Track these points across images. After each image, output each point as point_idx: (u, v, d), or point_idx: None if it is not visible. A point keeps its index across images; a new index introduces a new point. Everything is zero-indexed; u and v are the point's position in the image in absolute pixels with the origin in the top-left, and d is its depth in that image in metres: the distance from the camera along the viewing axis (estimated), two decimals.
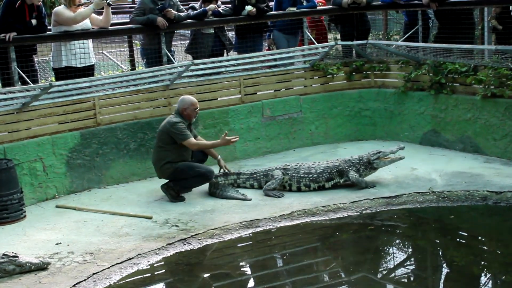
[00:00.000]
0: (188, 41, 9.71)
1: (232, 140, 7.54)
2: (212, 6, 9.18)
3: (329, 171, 7.56)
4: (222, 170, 7.80)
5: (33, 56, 8.25)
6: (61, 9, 8.15)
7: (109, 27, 8.67)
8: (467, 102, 8.53)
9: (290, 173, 7.59)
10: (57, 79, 8.22)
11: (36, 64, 8.38)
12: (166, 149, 7.44)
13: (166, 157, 7.44)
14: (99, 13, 8.53)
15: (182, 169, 7.41)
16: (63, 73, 8.12)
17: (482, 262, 5.94)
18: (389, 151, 7.66)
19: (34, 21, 7.97)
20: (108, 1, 8.24)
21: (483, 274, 5.76)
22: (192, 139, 7.47)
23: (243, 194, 7.47)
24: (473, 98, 8.42)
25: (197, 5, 9.42)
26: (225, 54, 9.57)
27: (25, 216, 7.07)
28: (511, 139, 8.08)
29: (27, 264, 5.71)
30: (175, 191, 7.43)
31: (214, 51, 9.32)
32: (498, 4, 9.34)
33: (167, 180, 7.50)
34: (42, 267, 5.77)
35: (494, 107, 8.23)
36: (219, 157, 7.83)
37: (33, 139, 7.65)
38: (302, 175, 7.56)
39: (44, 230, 6.72)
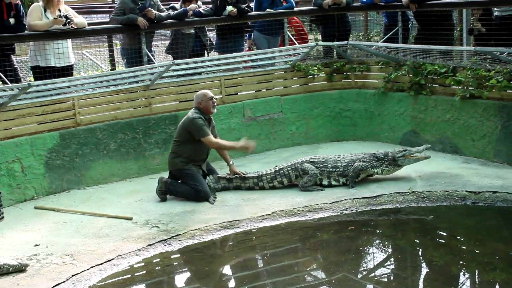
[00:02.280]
0: (168, 41, 9.68)
1: (252, 145, 7.55)
2: (193, 6, 9.16)
3: (353, 164, 7.57)
4: (231, 175, 7.70)
5: (11, 55, 8.16)
6: (33, 8, 8.06)
7: (89, 27, 8.60)
8: (446, 103, 8.61)
9: (319, 166, 7.58)
10: (35, 79, 8.13)
11: (15, 63, 8.28)
12: (181, 144, 7.46)
13: (179, 152, 7.46)
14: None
15: (187, 174, 7.43)
16: (42, 72, 8.04)
17: (461, 262, 5.99)
18: (415, 149, 7.70)
19: (12, 20, 7.86)
20: (68, 21, 7.98)
21: (461, 274, 5.80)
22: (211, 137, 7.45)
23: None
24: (452, 99, 8.51)
25: (177, 5, 9.40)
26: (206, 55, 9.56)
27: (3, 217, 6.86)
28: (489, 140, 8.17)
29: (5, 266, 5.63)
30: (166, 188, 7.41)
31: (195, 51, 9.31)
32: (478, 6, 9.44)
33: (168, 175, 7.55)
34: (20, 269, 5.69)
35: (472, 108, 8.31)
36: (231, 162, 7.76)
37: (11, 139, 7.57)
38: (330, 169, 7.56)
39: (22, 232, 6.65)
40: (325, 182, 7.62)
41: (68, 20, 8.04)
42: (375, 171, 7.66)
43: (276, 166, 7.76)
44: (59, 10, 8.08)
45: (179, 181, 7.51)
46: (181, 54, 9.19)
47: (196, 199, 7.34)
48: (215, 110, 7.67)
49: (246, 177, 7.67)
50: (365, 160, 7.62)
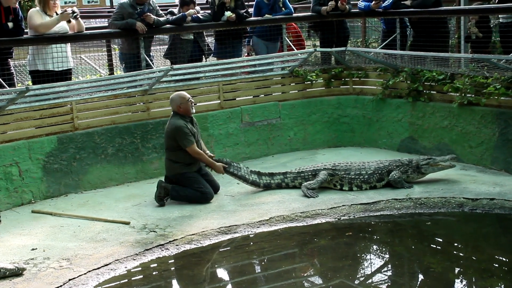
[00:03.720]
0: (167, 46, 9.69)
1: (222, 169, 7.62)
2: (191, 11, 9.17)
3: (379, 171, 7.62)
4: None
5: (9, 59, 8.15)
6: (33, 12, 8.05)
7: (88, 31, 8.61)
8: (444, 109, 8.63)
9: (340, 173, 7.61)
10: (34, 83, 8.13)
11: (12, 68, 8.27)
12: (173, 151, 7.48)
13: (175, 158, 7.48)
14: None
15: (189, 177, 7.45)
16: (40, 76, 8.03)
17: (458, 268, 6.00)
18: (440, 158, 7.73)
19: (10, 24, 7.87)
20: (75, 14, 8.12)
21: (459, 280, 5.81)
22: (195, 147, 7.45)
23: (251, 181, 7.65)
24: (450, 106, 8.52)
25: (176, 10, 9.41)
26: (203, 60, 9.56)
27: (0, 221, 6.94)
28: (486, 147, 8.18)
29: (2, 270, 5.62)
30: (165, 194, 7.41)
31: (193, 56, 9.32)
32: (473, 13, 9.48)
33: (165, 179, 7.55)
34: (17, 273, 5.68)
35: (470, 115, 8.33)
36: (214, 157, 7.77)
37: (8, 143, 7.56)
38: (353, 176, 7.59)
39: (19, 236, 6.63)
40: (345, 188, 7.65)
41: (75, 14, 8.11)
42: (402, 176, 7.68)
43: (299, 167, 7.91)
44: (56, 13, 8.09)
45: (181, 185, 7.50)
46: (179, 60, 9.19)
47: (201, 201, 7.39)
48: (194, 110, 7.68)
49: (275, 174, 7.79)
50: (395, 166, 7.65)
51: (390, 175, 7.60)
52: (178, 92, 7.83)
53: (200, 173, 7.63)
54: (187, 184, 7.48)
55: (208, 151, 7.85)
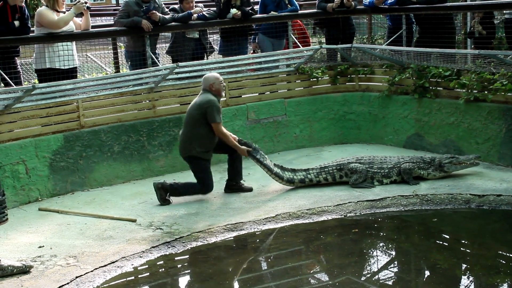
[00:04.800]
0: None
1: (246, 152, 7.58)
2: (197, 9, 9.18)
3: (399, 166, 7.64)
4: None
5: (16, 58, 8.18)
6: (44, 10, 8.08)
7: (94, 29, 8.63)
8: (450, 106, 8.60)
9: (365, 166, 7.64)
10: (40, 81, 8.16)
11: (19, 66, 8.31)
12: (195, 129, 7.38)
13: (195, 137, 7.37)
14: (79, 17, 8.48)
15: (202, 165, 7.40)
16: (46, 75, 8.06)
17: (465, 265, 5.98)
18: (464, 157, 7.76)
19: (16, 23, 7.89)
20: (87, 5, 8.21)
21: (465, 277, 5.80)
22: (222, 126, 7.43)
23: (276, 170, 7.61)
24: (456, 102, 8.49)
25: (177, 6, 9.39)
26: (205, 58, 9.56)
27: (7, 219, 6.88)
28: (493, 143, 8.15)
29: (9, 268, 5.65)
30: (166, 193, 7.39)
31: (195, 54, 9.31)
32: (479, 9, 9.44)
33: (162, 180, 7.49)
34: (24, 270, 5.71)
35: (476, 111, 8.30)
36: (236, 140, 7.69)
37: (15, 141, 7.59)
38: (376, 170, 7.62)
39: (26, 233, 6.66)
40: (367, 182, 7.66)
41: (87, 5, 8.21)
42: (422, 172, 7.69)
43: (322, 164, 7.88)
44: (63, 12, 8.13)
45: (176, 185, 7.46)
46: (182, 57, 9.18)
47: (200, 192, 7.41)
48: (224, 94, 7.65)
49: (297, 170, 7.76)
50: (413, 161, 7.68)
51: (403, 165, 7.60)
52: (213, 72, 7.81)
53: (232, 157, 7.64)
54: (195, 169, 7.45)
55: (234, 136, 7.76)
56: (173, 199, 7.47)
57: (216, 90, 7.49)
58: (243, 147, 7.59)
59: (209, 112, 7.33)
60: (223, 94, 7.58)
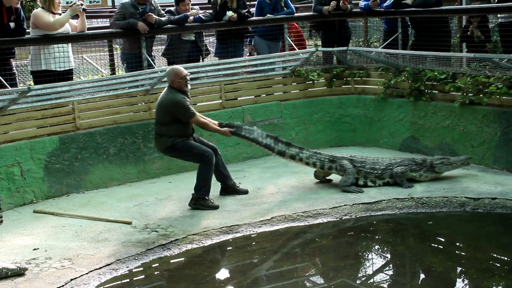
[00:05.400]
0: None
1: (229, 133, 7.49)
2: (193, 11, 9.18)
3: (390, 167, 7.64)
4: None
5: (11, 59, 8.16)
6: (40, 12, 8.07)
7: (90, 31, 8.62)
8: (446, 109, 8.62)
9: (357, 165, 7.63)
10: (35, 83, 8.15)
11: (14, 68, 8.29)
12: (165, 125, 7.26)
13: (165, 133, 7.27)
14: (74, 19, 8.48)
15: (179, 148, 7.28)
16: (42, 76, 8.05)
17: (460, 268, 6.00)
18: (454, 158, 7.79)
19: (12, 24, 7.88)
20: (83, 7, 8.20)
21: (460, 280, 5.80)
22: (198, 116, 7.32)
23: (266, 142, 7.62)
24: (452, 105, 8.51)
25: (173, 8, 9.39)
26: (201, 60, 9.56)
27: (2, 221, 6.85)
28: (488, 146, 8.18)
29: (4, 270, 5.63)
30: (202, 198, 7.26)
31: (191, 56, 9.31)
32: (474, 13, 9.47)
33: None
34: (18, 272, 5.69)
35: (472, 114, 8.32)
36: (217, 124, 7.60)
37: (10, 143, 7.57)
38: (368, 170, 7.62)
39: (21, 235, 6.64)
40: (361, 182, 7.67)
41: (83, 7, 8.20)
42: (414, 175, 7.70)
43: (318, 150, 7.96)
44: (59, 14, 8.12)
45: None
46: (178, 60, 9.18)
47: (207, 166, 7.22)
48: (189, 87, 7.42)
49: (292, 144, 7.76)
50: (404, 164, 7.69)
51: (395, 169, 7.61)
52: (175, 66, 7.57)
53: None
54: (181, 155, 7.38)
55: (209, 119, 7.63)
56: (168, 200, 7.46)
57: (177, 86, 7.28)
58: (224, 129, 7.50)
59: (178, 113, 7.19)
60: (188, 88, 7.33)
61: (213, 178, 7.47)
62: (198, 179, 7.27)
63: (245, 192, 7.65)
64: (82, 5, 8.22)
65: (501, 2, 9.04)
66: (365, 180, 7.66)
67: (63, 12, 8.20)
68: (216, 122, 7.64)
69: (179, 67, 7.50)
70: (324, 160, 7.76)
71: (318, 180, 8.00)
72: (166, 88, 7.42)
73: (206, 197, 7.26)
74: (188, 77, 7.35)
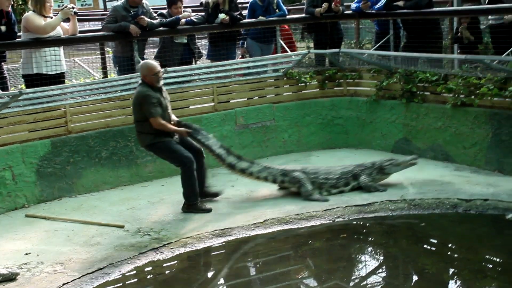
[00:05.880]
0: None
1: (186, 133, 7.30)
2: (185, 14, 9.17)
3: (345, 176, 7.61)
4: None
5: (2, 63, 8.13)
6: (31, 15, 8.05)
7: (81, 34, 8.60)
8: (438, 110, 8.65)
9: (310, 177, 7.55)
10: (27, 87, 8.11)
11: (5, 71, 8.26)
12: (144, 122, 7.16)
13: (145, 130, 7.18)
14: (66, 22, 8.46)
15: (160, 148, 7.21)
16: (34, 80, 8.01)
17: (453, 269, 6.01)
18: (401, 159, 7.77)
19: (3, 28, 7.85)
20: (74, 10, 8.19)
21: (453, 281, 5.82)
22: (158, 119, 7.05)
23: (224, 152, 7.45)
24: (444, 107, 8.54)
25: (165, 11, 9.38)
26: (193, 63, 9.55)
27: None
28: (480, 148, 8.20)
29: None
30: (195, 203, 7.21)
31: (183, 59, 9.30)
32: (466, 14, 9.51)
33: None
34: (10, 278, 5.66)
35: (464, 115, 8.35)
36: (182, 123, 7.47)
37: (2, 147, 7.54)
38: (322, 181, 7.55)
39: (13, 240, 6.61)
40: (316, 193, 7.56)
41: (74, 10, 8.17)
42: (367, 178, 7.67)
43: (269, 164, 7.82)
44: (51, 17, 8.09)
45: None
46: (170, 62, 9.16)
47: (187, 171, 7.08)
48: (161, 83, 7.26)
49: (243, 158, 7.62)
50: (363, 172, 7.62)
51: (361, 179, 7.58)
52: (148, 61, 7.44)
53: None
54: (161, 155, 7.32)
55: (175, 118, 7.47)
56: (161, 204, 7.45)
57: (149, 81, 7.11)
58: (182, 128, 7.34)
59: (144, 108, 7.05)
60: (160, 83, 7.18)
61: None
62: (184, 187, 7.21)
63: (216, 195, 7.53)
64: (73, 8, 8.20)
65: (492, 3, 9.08)
66: (320, 190, 7.55)
67: (55, 16, 8.18)
68: (180, 121, 7.48)
69: (153, 62, 7.37)
70: (275, 174, 7.62)
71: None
72: (138, 83, 7.29)
73: (197, 202, 7.23)
74: (161, 74, 7.21)
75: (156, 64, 7.26)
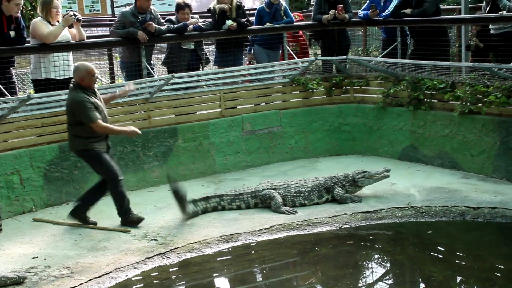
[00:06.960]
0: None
1: (137, 131, 7.03)
2: (193, 20, 9.21)
3: (317, 189, 7.54)
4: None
5: (11, 68, 8.17)
6: (38, 22, 8.08)
7: (89, 40, 8.64)
8: (445, 118, 8.63)
9: (281, 192, 7.47)
10: (36, 91, 8.15)
11: (14, 76, 8.30)
12: (77, 126, 6.84)
13: (78, 134, 6.90)
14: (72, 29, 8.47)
15: (91, 156, 6.91)
16: (42, 85, 8.05)
17: (460, 277, 5.98)
18: (374, 171, 7.68)
19: (12, 33, 7.89)
20: (77, 17, 8.19)
21: None
22: (100, 123, 6.73)
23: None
24: (451, 115, 8.53)
25: (174, 18, 9.42)
26: (201, 69, 9.58)
27: (1, 229, 6.96)
28: (488, 155, 8.18)
29: (3, 279, 5.61)
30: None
31: (191, 65, 9.33)
32: (473, 23, 9.51)
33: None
34: (18, 281, 5.67)
35: (471, 123, 8.33)
36: (117, 92, 7.33)
37: (10, 151, 7.57)
38: (294, 194, 7.48)
39: (20, 244, 6.63)
40: (289, 205, 7.45)
41: (77, 17, 8.16)
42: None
43: (237, 189, 7.62)
44: (58, 22, 8.12)
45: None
46: (178, 68, 9.19)
47: (114, 187, 6.89)
48: (97, 85, 7.10)
49: (210, 197, 7.43)
50: (336, 185, 7.53)
51: (335, 193, 7.51)
52: (85, 63, 7.04)
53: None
54: (92, 164, 7.00)
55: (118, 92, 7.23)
56: (167, 209, 7.45)
57: (87, 84, 6.80)
58: (131, 127, 7.10)
59: (81, 115, 6.73)
60: (96, 85, 7.00)
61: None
62: (116, 204, 7.01)
63: (91, 223, 7.13)
64: (75, 15, 8.19)
65: (492, 12, 9.08)
66: (293, 204, 7.47)
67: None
68: (118, 93, 7.31)
69: (88, 63, 7.10)
70: (247, 199, 7.48)
71: None
72: (71, 87, 6.92)
73: (130, 215, 7.06)
74: (97, 76, 7.02)
75: (91, 64, 7.03)
